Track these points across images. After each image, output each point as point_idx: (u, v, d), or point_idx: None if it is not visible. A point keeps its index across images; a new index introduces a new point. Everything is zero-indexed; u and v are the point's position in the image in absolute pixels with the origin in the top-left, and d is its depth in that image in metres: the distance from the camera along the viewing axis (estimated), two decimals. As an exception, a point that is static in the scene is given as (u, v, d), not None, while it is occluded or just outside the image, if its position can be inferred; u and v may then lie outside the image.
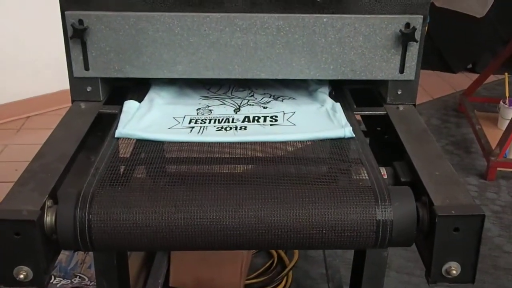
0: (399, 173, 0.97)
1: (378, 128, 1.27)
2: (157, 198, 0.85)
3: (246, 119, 1.11)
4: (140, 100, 1.18)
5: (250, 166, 0.99)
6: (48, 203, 0.85)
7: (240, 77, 1.16)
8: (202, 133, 1.05)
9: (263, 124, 1.09)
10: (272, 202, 0.85)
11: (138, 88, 1.24)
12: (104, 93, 1.19)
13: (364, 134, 1.14)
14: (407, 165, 0.98)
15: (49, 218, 0.83)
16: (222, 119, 1.10)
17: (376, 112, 1.19)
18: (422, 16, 1.11)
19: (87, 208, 0.83)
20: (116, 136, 1.03)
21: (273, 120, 1.10)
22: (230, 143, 1.03)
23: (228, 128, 1.07)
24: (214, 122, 1.09)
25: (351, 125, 1.06)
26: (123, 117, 1.09)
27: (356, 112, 1.18)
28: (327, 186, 0.90)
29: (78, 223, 0.83)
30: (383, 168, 0.98)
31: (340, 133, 1.04)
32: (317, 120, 1.11)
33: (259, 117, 1.12)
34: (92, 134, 1.09)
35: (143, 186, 0.92)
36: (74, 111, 1.14)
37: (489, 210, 2.32)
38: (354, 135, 1.04)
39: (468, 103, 3.10)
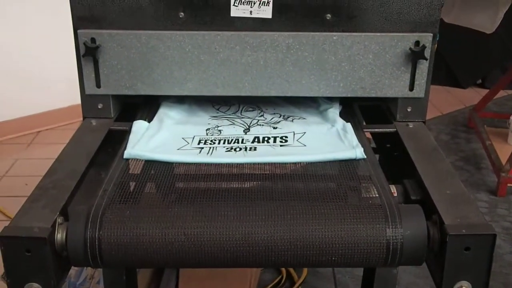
0: (409, 191, 0.96)
1: (388, 145, 1.27)
2: (166, 216, 0.86)
3: (256, 140, 1.10)
4: (149, 119, 1.18)
5: (258, 182, 0.99)
6: (59, 220, 0.85)
7: (250, 94, 1.17)
8: (211, 154, 1.04)
9: (273, 145, 1.08)
10: (280, 219, 0.85)
11: (148, 106, 1.25)
12: (115, 110, 1.20)
13: (374, 150, 1.14)
14: (417, 183, 0.98)
15: (59, 235, 0.84)
16: (232, 140, 1.10)
17: (386, 130, 1.19)
18: (432, 34, 1.12)
19: (97, 225, 0.84)
20: (124, 157, 1.02)
21: (283, 141, 1.09)
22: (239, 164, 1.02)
23: (237, 149, 1.06)
24: (224, 143, 1.08)
25: (362, 146, 1.05)
26: (132, 138, 1.08)
27: (365, 130, 1.18)
28: (337, 203, 0.90)
29: (88, 240, 0.83)
30: (393, 186, 0.98)
31: (351, 154, 1.03)
32: (328, 141, 1.10)
33: (269, 138, 1.11)
34: (103, 151, 1.10)
35: (153, 203, 0.93)
36: (85, 128, 1.15)
37: (499, 227, 2.30)
38: (365, 157, 1.02)
39: (478, 118, 3.08)
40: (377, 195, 0.92)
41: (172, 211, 0.86)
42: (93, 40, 1.11)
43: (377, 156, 1.24)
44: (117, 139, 1.13)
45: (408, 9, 1.10)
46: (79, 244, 0.83)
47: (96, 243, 0.83)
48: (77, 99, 1.18)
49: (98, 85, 1.15)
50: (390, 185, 0.96)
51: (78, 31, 1.11)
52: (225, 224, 0.84)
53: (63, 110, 3.01)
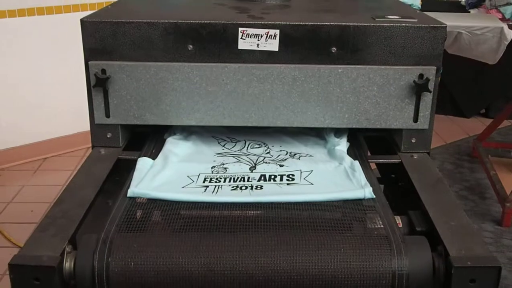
0: (415, 222, 0.97)
1: (393, 175, 1.28)
2: (174, 245, 0.87)
3: (262, 178, 1.08)
4: (157, 150, 1.18)
5: (263, 211, 0.99)
6: (68, 248, 0.86)
7: (256, 125, 1.18)
8: (216, 192, 1.02)
9: (280, 183, 1.06)
10: (285, 250, 0.86)
11: (156, 138, 1.26)
12: (124, 139, 1.22)
13: (378, 180, 1.15)
14: (422, 214, 0.99)
15: (68, 264, 0.85)
16: (238, 178, 1.08)
17: (391, 161, 1.20)
18: (435, 68, 1.14)
19: (105, 255, 0.85)
20: (128, 195, 1.00)
21: (290, 179, 1.08)
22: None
23: (243, 187, 1.04)
24: (229, 181, 1.07)
25: (370, 184, 1.03)
26: (136, 175, 1.06)
27: (370, 160, 1.19)
28: (342, 234, 0.91)
29: (96, 269, 0.84)
30: (398, 217, 0.98)
31: (360, 194, 1.01)
32: (336, 180, 1.07)
33: (275, 176, 1.09)
34: (111, 179, 1.11)
35: (160, 233, 0.94)
36: (94, 157, 1.17)
37: (505, 257, 2.29)
38: (374, 196, 1.00)
39: (482, 148, 3.09)
40: (382, 226, 0.93)
41: (180, 240, 0.87)
42: (103, 71, 1.14)
43: (382, 186, 1.26)
44: (125, 168, 1.14)
45: (412, 43, 1.13)
46: (87, 273, 0.84)
47: (104, 272, 0.84)
48: (83, 127, 1.21)
49: (108, 115, 1.17)
50: (395, 216, 0.97)
51: (89, 62, 1.14)
52: (231, 254, 0.85)
53: (69, 137, 3.04)
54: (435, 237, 0.90)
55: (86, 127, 1.21)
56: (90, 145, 1.21)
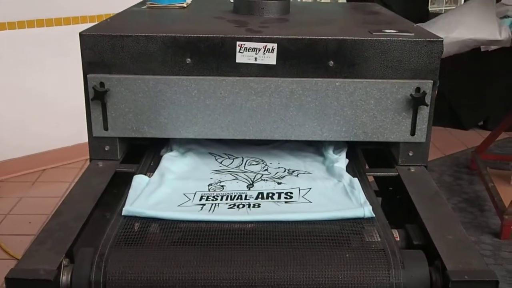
0: (412, 236, 0.97)
1: (390, 188, 1.28)
2: (172, 259, 0.86)
3: (260, 196, 1.07)
4: (155, 164, 1.18)
5: (259, 224, 0.98)
6: (65, 262, 0.86)
7: (254, 137, 1.19)
8: (213, 210, 1.01)
9: (278, 201, 1.05)
10: (282, 265, 0.86)
11: (153, 152, 1.26)
12: (121, 152, 1.23)
13: (376, 193, 1.15)
14: (419, 228, 0.99)
15: (65, 278, 0.85)
16: (235, 196, 1.06)
17: (388, 174, 1.20)
18: (432, 81, 1.14)
19: (102, 268, 0.85)
20: (123, 214, 0.99)
21: (288, 197, 1.06)
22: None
23: (240, 206, 1.03)
24: (226, 199, 1.05)
25: (370, 202, 1.02)
26: (131, 193, 1.05)
27: (368, 174, 1.19)
28: (339, 248, 0.91)
29: (93, 283, 0.84)
30: (396, 231, 0.98)
31: (359, 213, 1.00)
32: (335, 198, 1.06)
33: (273, 194, 1.08)
34: (109, 192, 1.12)
35: (157, 247, 0.94)
36: (92, 170, 1.17)
37: (503, 270, 2.28)
38: (374, 215, 0.99)
39: (481, 160, 3.10)
40: (379, 239, 0.93)
41: (177, 254, 0.87)
42: (102, 84, 1.14)
43: (379, 199, 1.26)
44: (123, 181, 1.14)
45: (408, 56, 1.14)
46: (84, 287, 0.84)
47: (101, 286, 0.83)
48: (81, 139, 1.20)
49: (106, 128, 1.17)
50: (393, 230, 0.97)
51: (88, 75, 1.14)
52: (230, 269, 0.85)
53: (68, 149, 3.04)
54: (432, 251, 0.90)
55: (85, 138, 1.22)
56: (89, 157, 1.21)
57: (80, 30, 1.14)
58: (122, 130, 1.18)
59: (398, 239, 0.97)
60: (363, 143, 1.24)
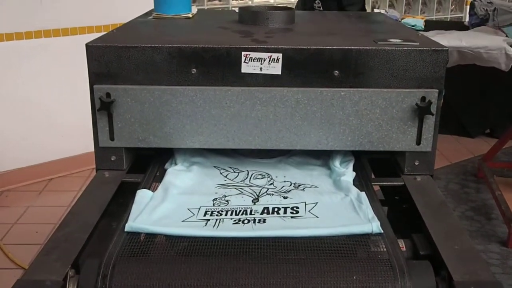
0: (418, 246, 0.97)
1: (396, 197, 1.28)
2: (177, 270, 0.86)
3: (265, 211, 1.05)
4: (161, 174, 1.18)
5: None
6: (71, 273, 0.87)
7: (259, 147, 1.19)
8: (217, 226, 0.99)
9: (283, 216, 1.03)
10: (288, 275, 0.86)
11: (159, 163, 1.26)
12: (128, 161, 1.23)
13: (382, 202, 1.15)
14: (425, 238, 0.98)
15: (71, 288, 0.85)
16: (240, 211, 1.05)
17: (394, 183, 1.20)
18: (438, 90, 1.14)
19: (108, 279, 0.85)
20: (126, 230, 0.97)
21: (294, 212, 1.04)
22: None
23: (246, 221, 1.01)
24: (231, 214, 1.03)
25: (377, 217, 1.00)
26: (134, 208, 1.03)
27: (374, 183, 1.19)
28: (345, 259, 0.90)
29: (99, 293, 0.84)
30: (402, 241, 0.98)
31: (367, 228, 0.97)
32: (342, 213, 1.04)
33: (279, 208, 1.06)
34: (115, 202, 1.12)
35: (163, 258, 0.94)
36: (98, 180, 1.17)
37: (512, 279, 2.26)
38: (382, 231, 0.97)
39: (487, 168, 3.08)
40: (385, 249, 0.92)
41: (183, 266, 0.87)
42: (108, 95, 1.15)
43: (385, 208, 1.25)
44: (129, 190, 1.15)
45: (414, 66, 1.13)
46: (90, 298, 0.84)
47: (107, 296, 0.84)
48: (88, 148, 1.21)
49: (112, 138, 1.18)
50: (399, 240, 0.97)
51: (94, 86, 1.15)
52: (236, 281, 0.85)
53: (75, 158, 3.05)
54: (439, 261, 0.90)
55: (92, 147, 1.22)
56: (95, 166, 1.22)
57: (87, 41, 1.15)
58: (128, 140, 1.18)
59: (404, 249, 0.97)
60: (368, 153, 1.24)
